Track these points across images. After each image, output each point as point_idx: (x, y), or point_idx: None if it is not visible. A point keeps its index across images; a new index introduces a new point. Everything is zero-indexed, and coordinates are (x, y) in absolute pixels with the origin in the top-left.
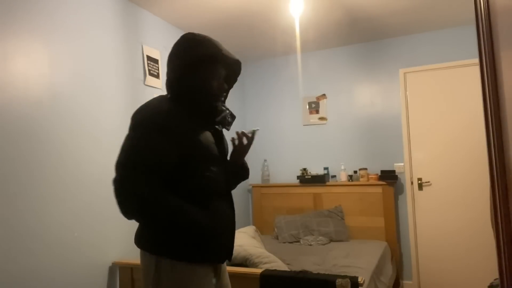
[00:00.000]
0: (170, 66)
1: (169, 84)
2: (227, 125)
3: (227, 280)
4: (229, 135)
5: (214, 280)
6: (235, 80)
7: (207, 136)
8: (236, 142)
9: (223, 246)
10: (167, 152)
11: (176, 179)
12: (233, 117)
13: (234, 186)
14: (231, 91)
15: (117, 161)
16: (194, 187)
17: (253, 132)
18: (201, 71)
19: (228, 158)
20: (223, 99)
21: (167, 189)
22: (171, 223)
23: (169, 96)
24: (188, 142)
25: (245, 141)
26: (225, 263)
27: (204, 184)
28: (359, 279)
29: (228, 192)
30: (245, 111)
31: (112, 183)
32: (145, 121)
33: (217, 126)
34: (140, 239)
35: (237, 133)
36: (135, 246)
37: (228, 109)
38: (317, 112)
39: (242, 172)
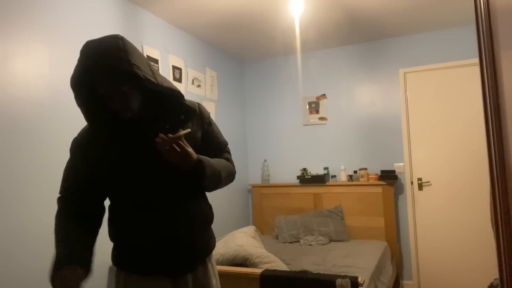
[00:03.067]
0: None
1: None
2: (149, 129)
3: None
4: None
5: None
6: (144, 91)
7: (129, 148)
8: (159, 149)
9: (152, 258)
10: (80, 172)
11: (106, 192)
12: (188, 111)
13: (201, 187)
14: (231, 91)
15: None
16: (113, 199)
17: (179, 136)
18: (83, 93)
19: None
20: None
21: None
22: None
23: None
24: (99, 160)
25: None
26: (204, 273)
27: (120, 197)
28: (359, 279)
29: (163, 201)
30: (245, 111)
31: None
32: (71, 145)
33: (150, 133)
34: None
35: (156, 140)
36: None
37: (179, 105)
38: (317, 112)
39: (197, 175)
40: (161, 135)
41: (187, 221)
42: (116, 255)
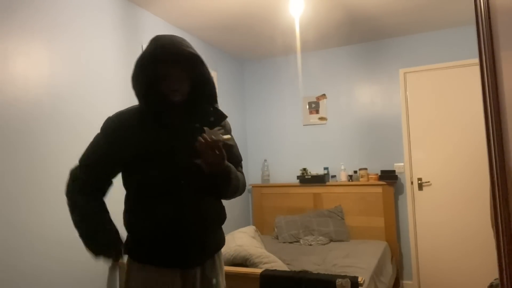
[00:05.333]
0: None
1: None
2: (206, 122)
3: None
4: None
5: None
6: (196, 75)
7: (154, 135)
8: (200, 147)
9: (169, 251)
10: (106, 155)
11: (126, 180)
12: (218, 116)
13: (224, 194)
14: (231, 91)
15: None
16: (135, 188)
17: (224, 143)
18: (145, 71)
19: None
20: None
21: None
22: (78, 227)
23: None
24: (128, 145)
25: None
26: (212, 266)
27: (143, 187)
28: (359, 279)
29: (181, 192)
30: (245, 111)
31: None
32: (101, 128)
33: (190, 124)
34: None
35: (199, 139)
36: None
37: (212, 108)
38: (317, 112)
39: (219, 181)
40: (204, 135)
41: (203, 217)
42: (131, 245)
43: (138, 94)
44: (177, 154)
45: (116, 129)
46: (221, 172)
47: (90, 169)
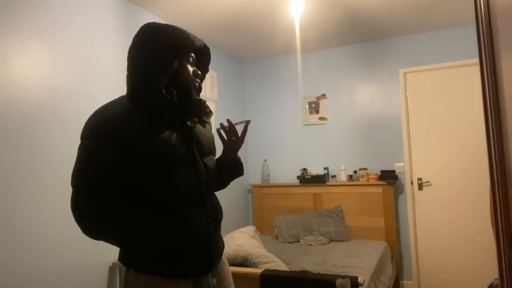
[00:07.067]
0: (127, 61)
1: (127, 82)
2: (205, 117)
3: None
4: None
5: None
6: (205, 68)
7: (168, 136)
8: (224, 134)
9: (194, 259)
10: (112, 163)
11: (135, 189)
12: (209, 109)
13: (225, 184)
14: (231, 91)
15: (71, 177)
16: (154, 195)
17: (246, 123)
18: (161, 63)
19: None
20: (194, 91)
21: (127, 201)
22: (123, 242)
23: (126, 95)
24: (137, 148)
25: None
26: (222, 270)
27: (166, 192)
28: (359, 279)
29: (203, 197)
30: (245, 111)
31: None
32: (90, 132)
33: (187, 122)
34: (119, 250)
35: (222, 124)
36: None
37: (203, 100)
38: (317, 112)
39: (234, 169)
40: (228, 120)
41: (215, 219)
42: (138, 256)
43: (154, 90)
44: (194, 157)
45: (118, 132)
46: (234, 158)
47: (100, 188)
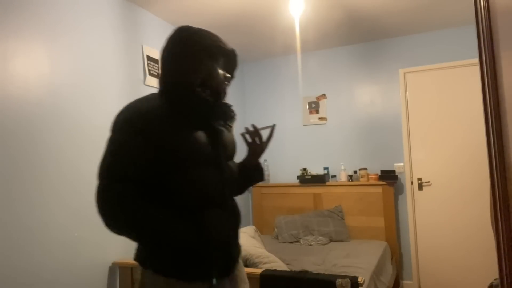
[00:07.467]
0: (161, 61)
1: (160, 81)
2: (228, 121)
3: None
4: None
5: None
6: (232, 74)
7: (198, 136)
8: (249, 138)
9: (212, 262)
10: (143, 157)
11: (161, 187)
12: (234, 113)
13: (244, 190)
14: (231, 91)
15: (98, 169)
16: (180, 195)
17: (272, 128)
18: (196, 64)
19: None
20: (223, 94)
21: (148, 198)
22: (150, 238)
23: (159, 93)
24: (169, 145)
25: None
26: (239, 274)
27: (191, 192)
28: (359, 279)
29: (226, 200)
30: (245, 111)
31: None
32: (122, 124)
33: (215, 124)
34: (136, 250)
35: (247, 128)
36: (135, 246)
37: (229, 104)
38: (317, 112)
39: (256, 174)
40: (253, 124)
41: (235, 222)
42: (157, 257)
43: (187, 88)
44: (221, 159)
45: (150, 127)
46: (256, 163)
47: (129, 181)
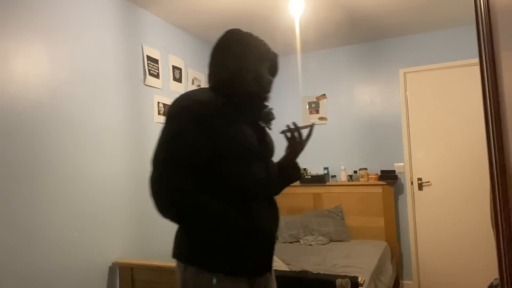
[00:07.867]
0: (215, 59)
1: (211, 77)
2: (269, 121)
3: None
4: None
5: None
6: (274, 77)
7: (249, 131)
8: (289, 135)
9: (260, 257)
10: (201, 145)
11: (212, 176)
12: (274, 116)
13: (281, 189)
14: None
15: (152, 156)
16: (231, 186)
17: (311, 127)
18: (249, 63)
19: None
20: (269, 95)
21: (202, 188)
22: (205, 227)
23: (211, 87)
24: (226, 135)
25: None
26: (270, 275)
27: (243, 184)
28: (359, 279)
29: (272, 194)
30: None
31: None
32: (180, 111)
33: (260, 122)
34: (174, 248)
35: (288, 126)
36: (135, 246)
37: (271, 107)
38: (317, 112)
39: (293, 173)
40: (294, 122)
41: (277, 217)
42: (202, 252)
43: (242, 83)
44: (266, 155)
45: (208, 116)
46: (294, 161)
47: (186, 169)
